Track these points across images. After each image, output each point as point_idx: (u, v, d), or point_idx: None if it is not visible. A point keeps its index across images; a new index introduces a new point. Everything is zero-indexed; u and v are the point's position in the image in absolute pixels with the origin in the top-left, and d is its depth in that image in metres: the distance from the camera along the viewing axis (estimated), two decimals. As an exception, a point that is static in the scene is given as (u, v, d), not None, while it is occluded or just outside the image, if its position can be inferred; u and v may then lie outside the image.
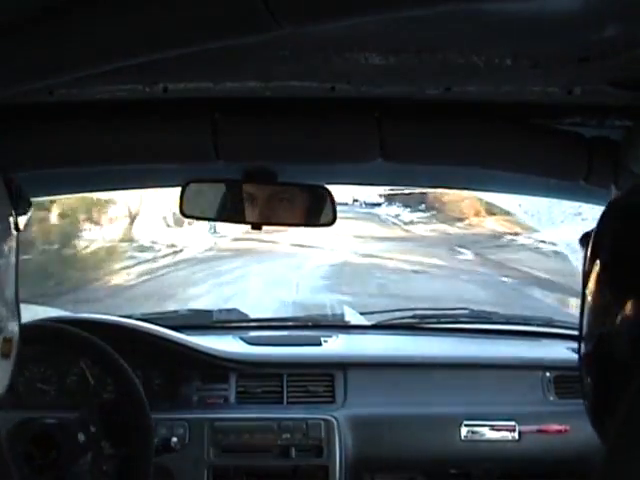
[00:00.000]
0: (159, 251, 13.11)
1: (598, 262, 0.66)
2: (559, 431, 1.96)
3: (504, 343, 2.30)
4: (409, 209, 21.24)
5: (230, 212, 1.68)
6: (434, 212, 20.18)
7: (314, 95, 1.25)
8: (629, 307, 0.61)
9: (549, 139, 1.36)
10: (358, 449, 1.99)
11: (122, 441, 1.72)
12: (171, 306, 7.46)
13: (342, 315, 2.55)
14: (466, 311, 2.50)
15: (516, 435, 1.98)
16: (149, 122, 1.33)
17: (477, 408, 2.03)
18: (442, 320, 2.46)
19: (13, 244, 1.05)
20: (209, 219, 1.76)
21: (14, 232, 1.06)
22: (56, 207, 11.04)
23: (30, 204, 1.19)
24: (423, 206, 20.69)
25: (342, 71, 1.15)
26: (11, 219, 1.06)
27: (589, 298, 0.67)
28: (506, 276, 10.87)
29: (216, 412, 2.00)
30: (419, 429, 2.02)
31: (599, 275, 0.65)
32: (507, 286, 10.18)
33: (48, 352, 1.96)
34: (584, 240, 0.69)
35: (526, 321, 2.42)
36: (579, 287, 0.70)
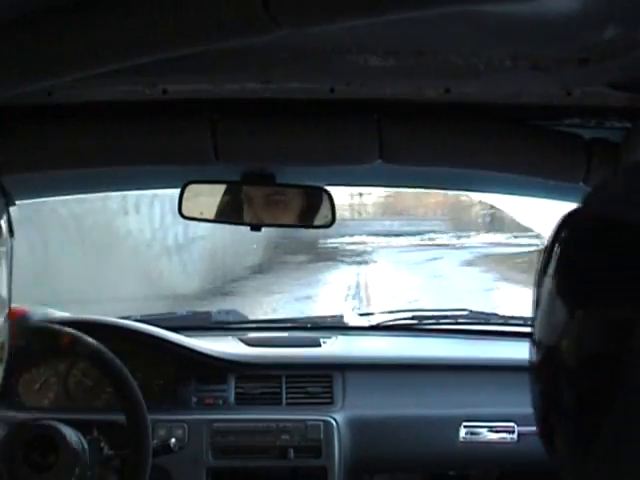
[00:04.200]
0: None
1: (551, 272, 0.65)
2: None
3: (503, 344, 2.29)
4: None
5: (229, 213, 1.68)
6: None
7: (313, 97, 1.25)
8: (577, 320, 0.61)
9: (548, 141, 1.36)
10: (357, 450, 1.99)
11: (120, 443, 1.72)
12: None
13: (341, 316, 2.55)
14: (465, 312, 2.50)
15: (515, 436, 1.98)
16: (148, 123, 1.33)
17: (476, 409, 2.03)
18: (441, 321, 2.46)
19: (6, 247, 1.03)
20: (208, 220, 1.75)
21: (7, 234, 1.04)
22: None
23: (11, 204, 1.16)
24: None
25: (341, 72, 1.15)
26: (3, 221, 1.03)
27: (541, 307, 0.66)
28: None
29: (215, 413, 2.00)
30: (418, 430, 2.02)
31: (552, 285, 0.65)
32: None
33: (48, 353, 1.95)
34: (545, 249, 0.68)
35: (525, 322, 2.42)
36: None
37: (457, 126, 1.34)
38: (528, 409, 2.10)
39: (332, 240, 14.22)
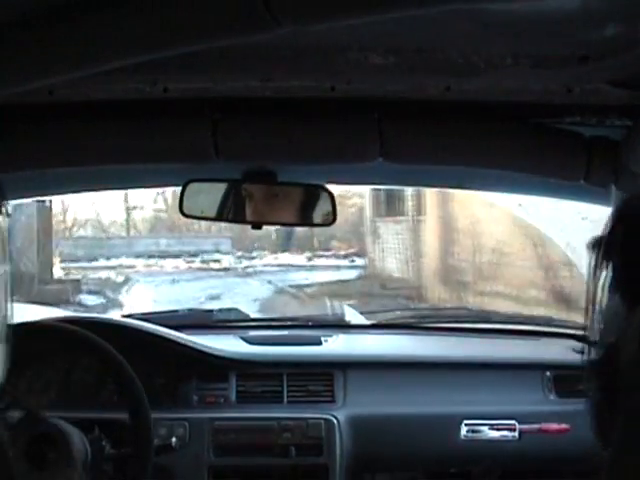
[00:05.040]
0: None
1: (608, 268, 0.64)
2: (559, 430, 1.96)
3: (504, 342, 2.30)
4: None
5: (230, 212, 1.68)
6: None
7: (314, 95, 1.25)
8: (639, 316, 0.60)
9: (549, 138, 1.36)
10: (358, 448, 1.99)
11: (122, 441, 1.72)
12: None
13: (342, 314, 2.55)
14: (466, 311, 2.51)
15: (516, 434, 1.98)
16: (149, 122, 1.33)
17: (477, 407, 2.03)
18: (442, 319, 2.46)
19: (4, 242, 1.02)
20: (209, 219, 1.76)
21: (5, 231, 1.03)
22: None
23: (5, 203, 1.16)
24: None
25: (342, 71, 1.15)
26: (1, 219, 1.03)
27: (597, 304, 0.66)
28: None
29: (216, 411, 2.00)
30: (419, 428, 2.02)
31: (610, 281, 0.64)
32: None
33: (50, 351, 1.95)
34: (594, 245, 0.67)
35: (526, 320, 2.42)
36: None
37: (458, 124, 1.34)
38: (529, 407, 2.12)
39: (81, 265, 10.97)
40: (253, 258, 12.46)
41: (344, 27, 0.85)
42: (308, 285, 9.45)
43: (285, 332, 2.34)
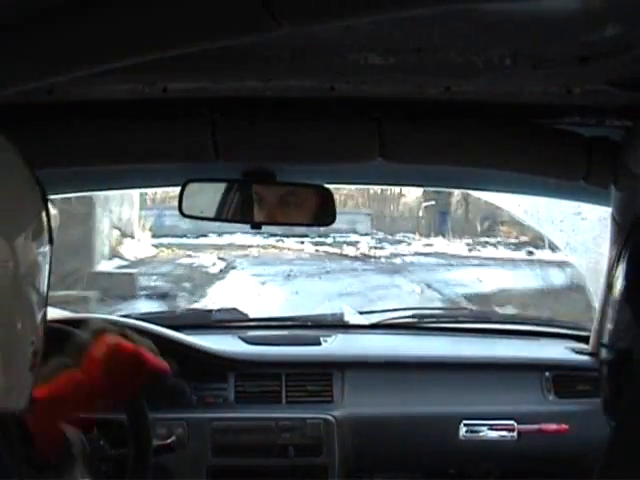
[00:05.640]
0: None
1: (623, 278, 0.66)
2: (558, 431, 1.96)
3: (503, 342, 2.30)
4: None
5: (229, 212, 1.68)
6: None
7: (314, 95, 1.25)
8: None
9: (549, 139, 1.36)
10: (357, 449, 1.99)
11: (121, 441, 1.72)
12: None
13: (341, 315, 2.55)
14: (465, 310, 2.51)
15: (515, 435, 1.98)
16: (149, 122, 1.33)
17: (476, 407, 2.03)
18: (441, 319, 2.46)
19: (47, 246, 0.99)
20: (208, 219, 1.75)
21: (47, 232, 1.00)
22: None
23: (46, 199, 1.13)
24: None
25: (341, 71, 1.15)
26: (44, 218, 0.99)
27: (611, 309, 0.67)
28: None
29: (215, 412, 2.00)
30: (418, 428, 2.02)
31: (624, 288, 0.65)
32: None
33: (48, 352, 1.95)
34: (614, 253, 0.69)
35: (525, 321, 2.42)
36: None
37: (457, 124, 1.34)
38: (528, 407, 2.11)
39: (183, 242, 8.65)
40: (398, 242, 9.27)
41: (344, 27, 0.85)
42: (488, 295, 6.05)
43: (284, 332, 2.33)
